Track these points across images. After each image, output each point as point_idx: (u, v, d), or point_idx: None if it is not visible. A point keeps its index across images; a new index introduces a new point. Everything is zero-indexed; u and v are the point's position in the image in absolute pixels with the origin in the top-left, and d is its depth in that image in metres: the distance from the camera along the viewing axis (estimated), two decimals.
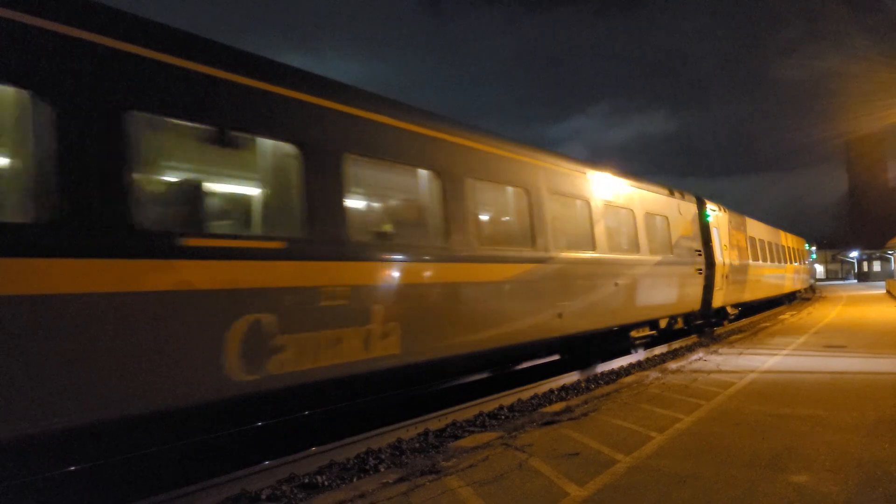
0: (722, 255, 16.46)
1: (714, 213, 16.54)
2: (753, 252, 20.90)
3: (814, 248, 48.08)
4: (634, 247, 11.48)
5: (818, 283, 55.56)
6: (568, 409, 7.41)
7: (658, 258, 12.21)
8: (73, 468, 5.06)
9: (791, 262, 29.19)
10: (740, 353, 12.07)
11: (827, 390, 7.99)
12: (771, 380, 9.00)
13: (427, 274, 6.76)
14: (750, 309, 22.49)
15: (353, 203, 6.18)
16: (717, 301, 16.05)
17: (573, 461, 5.31)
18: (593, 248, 9.92)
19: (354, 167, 5.95)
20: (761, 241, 22.71)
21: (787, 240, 29.12)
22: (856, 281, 74.32)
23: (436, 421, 7.33)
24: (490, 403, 8.20)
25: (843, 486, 4.46)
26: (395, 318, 6.14)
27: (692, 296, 14.25)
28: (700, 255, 14.74)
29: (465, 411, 7.81)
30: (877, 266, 72.99)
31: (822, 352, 11.90)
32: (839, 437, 5.77)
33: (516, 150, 8.63)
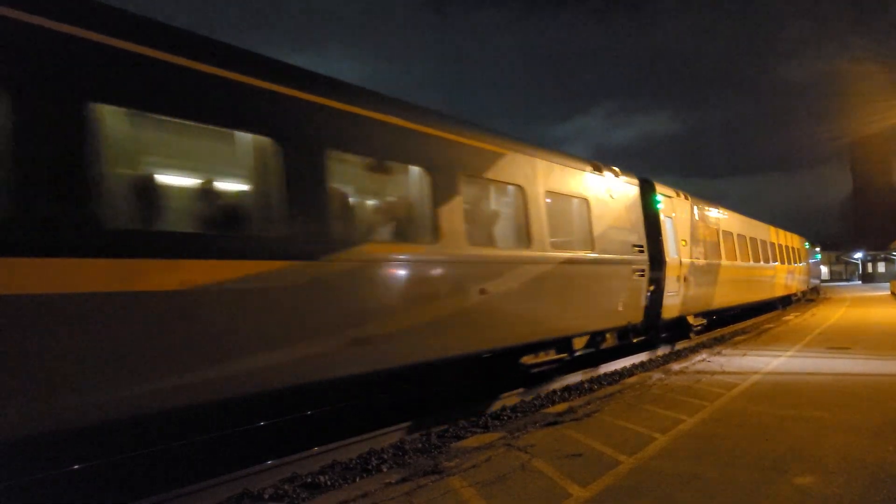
0: (678, 252, 13.30)
1: (668, 199, 13.40)
2: (728, 249, 17.58)
3: (818, 249, 47.57)
4: (523, 239, 8.34)
5: (822, 284, 55.25)
6: (571, 410, 7.40)
7: (566, 255, 9.11)
8: (75, 467, 5.07)
9: (784, 262, 25.53)
10: (744, 355, 12.03)
11: (831, 392, 7.96)
12: (775, 381, 8.97)
13: None
14: (725, 318, 19.61)
15: None
16: (671, 310, 13.00)
17: (576, 462, 5.30)
18: (435, 238, 6.85)
19: None
20: (741, 236, 19.21)
21: (780, 237, 25.62)
22: (860, 282, 74.11)
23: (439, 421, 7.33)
24: (493, 404, 8.19)
25: (848, 489, 4.44)
26: None
27: (629, 304, 10.94)
28: (642, 251, 11.48)
29: (469, 412, 7.80)
30: (881, 267, 72.79)
31: (827, 353, 11.85)
32: (843, 438, 5.74)
33: (253, 74, 5.27)
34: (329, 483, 5.28)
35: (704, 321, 16.18)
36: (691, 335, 15.41)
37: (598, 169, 10.59)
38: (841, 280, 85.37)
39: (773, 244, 23.84)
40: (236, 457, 5.80)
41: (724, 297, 17.04)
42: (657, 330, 13.51)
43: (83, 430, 4.15)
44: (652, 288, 12.09)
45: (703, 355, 12.14)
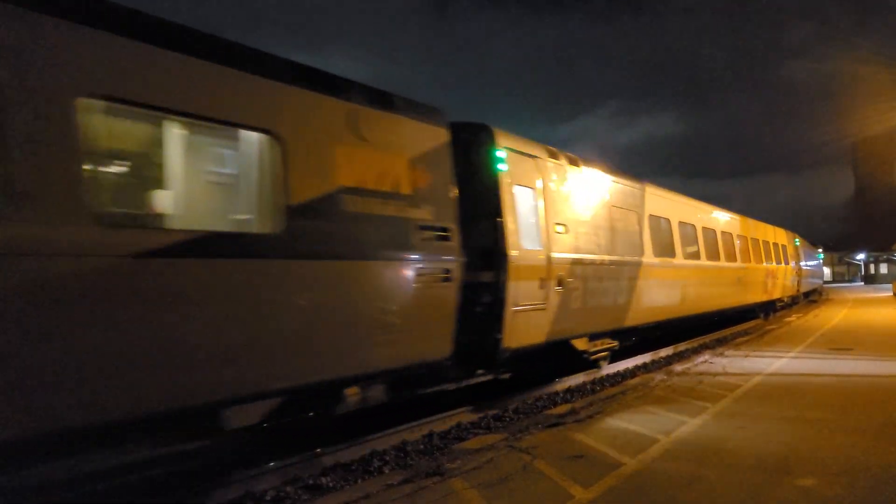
0: (545, 243, 8.44)
1: (525, 161, 8.40)
2: (662, 242, 12.56)
3: (820, 250, 47.34)
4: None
5: (824, 285, 55.00)
6: (573, 411, 7.40)
7: (161, 239, 4.44)
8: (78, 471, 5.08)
9: (761, 261, 20.62)
10: (746, 356, 12.02)
11: (833, 393, 7.95)
12: (777, 382, 8.96)
13: None
14: (664, 335, 14.30)
15: None
16: (528, 333, 8.10)
17: (578, 463, 5.29)
18: None
19: None
20: (686, 226, 14.05)
21: (755, 231, 20.62)
22: (862, 283, 74.00)
23: (440, 423, 7.32)
24: (495, 405, 8.18)
25: (850, 490, 4.43)
26: None
27: (415, 330, 6.42)
28: (447, 239, 6.71)
29: (470, 413, 7.80)
30: (883, 268, 72.67)
31: (829, 354, 11.84)
32: (846, 439, 5.74)
33: None
34: (331, 485, 5.27)
35: (615, 344, 10.79)
36: (601, 363, 10.56)
37: (320, 84, 5.68)
38: (843, 281, 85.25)
39: (744, 238, 18.91)
40: (238, 459, 5.80)
41: (653, 307, 11.98)
42: (495, 366, 8.72)
43: None
44: (487, 299, 7.60)
45: (706, 356, 12.13)
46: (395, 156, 6.41)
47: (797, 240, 28.51)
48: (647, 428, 6.44)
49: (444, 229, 6.80)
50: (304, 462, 5.81)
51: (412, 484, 4.91)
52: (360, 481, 5.29)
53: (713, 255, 15.93)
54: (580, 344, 9.74)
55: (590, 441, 5.99)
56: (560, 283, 8.69)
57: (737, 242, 18.05)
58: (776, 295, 22.97)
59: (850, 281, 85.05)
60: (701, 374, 9.98)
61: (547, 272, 8.46)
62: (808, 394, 7.97)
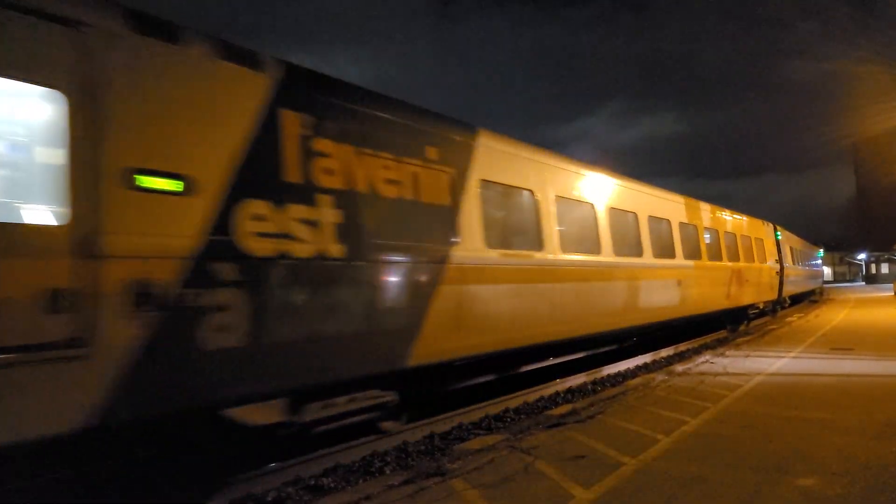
0: (73, 209, 3.84)
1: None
2: (512, 228, 8.41)
3: (821, 250, 47.29)
4: None
5: (825, 285, 54.87)
6: (574, 412, 7.40)
7: None
8: (80, 470, 5.09)
9: (723, 259, 16.22)
10: (747, 356, 12.01)
11: (834, 393, 7.95)
12: (778, 382, 8.95)
13: None
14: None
15: None
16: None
17: (579, 464, 5.30)
18: None
19: None
20: (577, 204, 9.69)
21: (717, 220, 16.50)
22: (863, 283, 73.98)
23: (441, 423, 7.33)
24: (496, 406, 8.19)
25: (851, 490, 4.43)
26: None
27: None
28: None
29: (471, 414, 7.81)
30: (885, 268, 72.66)
31: (830, 354, 11.83)
32: (846, 439, 5.74)
33: None
34: (332, 486, 5.29)
35: (388, 397, 6.30)
36: (385, 426, 6.46)
37: None
38: (844, 281, 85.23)
39: (692, 228, 14.52)
40: (238, 460, 5.81)
41: (496, 327, 7.42)
42: None
43: None
44: None
45: (707, 356, 12.13)
46: None
47: (778, 232, 23.48)
48: (648, 428, 6.43)
49: None
50: (305, 463, 5.83)
51: (413, 484, 4.92)
52: (361, 482, 5.31)
53: (631, 248, 11.34)
54: (256, 414, 5.06)
55: (591, 441, 5.99)
56: (151, 300, 4.15)
57: (678, 233, 13.59)
58: (746, 300, 18.28)
59: (851, 281, 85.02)
60: (702, 374, 9.98)
61: (75, 276, 3.83)
62: (809, 393, 7.97)
